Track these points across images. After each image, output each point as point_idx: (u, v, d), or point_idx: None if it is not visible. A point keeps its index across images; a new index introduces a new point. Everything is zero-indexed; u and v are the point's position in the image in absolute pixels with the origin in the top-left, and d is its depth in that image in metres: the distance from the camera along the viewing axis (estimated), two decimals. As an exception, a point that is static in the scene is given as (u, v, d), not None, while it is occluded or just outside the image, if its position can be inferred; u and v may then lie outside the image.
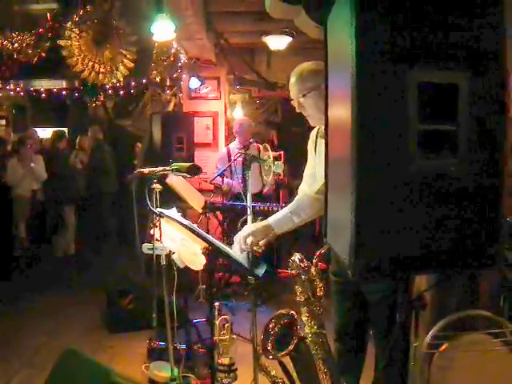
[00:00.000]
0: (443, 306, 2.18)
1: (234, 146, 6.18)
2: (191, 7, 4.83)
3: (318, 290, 2.18)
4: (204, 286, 5.21)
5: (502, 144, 1.39)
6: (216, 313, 2.75)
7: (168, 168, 2.57)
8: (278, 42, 6.45)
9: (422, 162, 1.30)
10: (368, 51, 1.28)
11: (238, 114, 8.60)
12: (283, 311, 2.29)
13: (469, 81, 1.35)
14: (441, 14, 1.35)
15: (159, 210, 2.53)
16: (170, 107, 8.04)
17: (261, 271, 2.24)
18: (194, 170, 2.52)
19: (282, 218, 2.58)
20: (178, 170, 2.53)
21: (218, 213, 5.37)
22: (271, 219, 2.57)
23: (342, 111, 1.43)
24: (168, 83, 7.50)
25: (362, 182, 1.28)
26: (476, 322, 2.17)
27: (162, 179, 2.79)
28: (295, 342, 2.22)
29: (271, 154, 3.20)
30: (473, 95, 1.36)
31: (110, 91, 7.42)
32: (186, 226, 2.39)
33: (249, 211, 2.91)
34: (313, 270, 2.17)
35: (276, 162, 3.24)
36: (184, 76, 7.01)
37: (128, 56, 6.93)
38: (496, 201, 1.41)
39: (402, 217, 1.32)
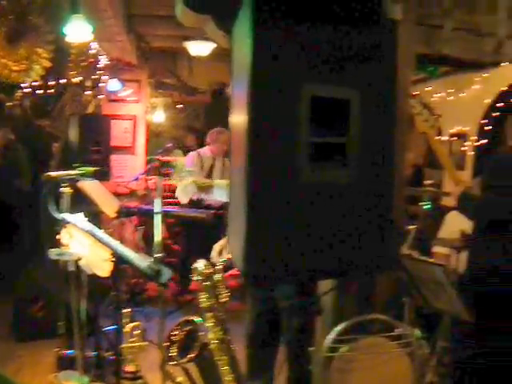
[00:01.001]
0: (342, 310, 2.25)
1: (205, 151, 5.95)
2: (110, 8, 4.75)
3: (222, 295, 2.20)
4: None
5: (392, 153, 1.46)
6: (127, 320, 2.71)
7: (74, 172, 2.52)
8: (200, 48, 6.44)
9: (314, 173, 1.34)
10: (263, 62, 1.32)
11: (159, 118, 8.52)
12: (186, 318, 2.30)
13: (361, 95, 1.41)
14: (336, 30, 1.40)
15: (63, 215, 2.47)
16: (90, 109, 7.85)
17: (165, 277, 2.23)
18: (101, 175, 2.48)
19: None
20: (84, 175, 2.48)
21: (134, 217, 5.29)
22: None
23: (240, 120, 1.46)
24: (88, 84, 7.32)
25: (255, 190, 1.31)
26: (374, 326, 2.27)
27: (73, 182, 2.73)
28: (198, 348, 2.23)
29: (182, 160, 3.20)
30: (365, 109, 1.42)
31: (26, 90, 7.14)
32: (87, 232, 2.35)
33: (156, 217, 2.89)
34: (217, 276, 2.19)
35: (185, 169, 3.25)
36: (104, 78, 6.89)
37: (45, 55, 6.69)
38: (389, 208, 1.47)
39: (295, 225, 1.36)
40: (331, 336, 2.17)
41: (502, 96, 5.59)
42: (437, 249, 4.51)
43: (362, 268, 1.45)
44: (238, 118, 1.54)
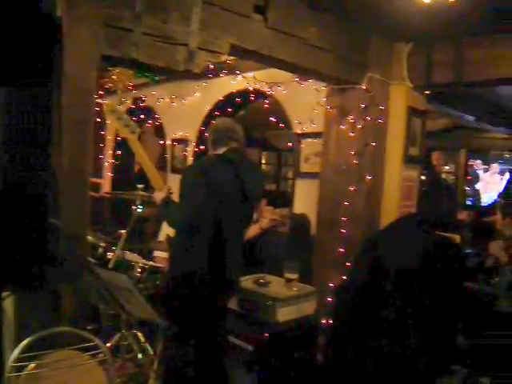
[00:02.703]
0: (26, 325, 2.10)
1: None
2: None
3: None
4: None
5: (49, 156, 1.38)
6: None
7: None
8: None
9: None
10: None
11: None
12: None
13: (14, 94, 1.31)
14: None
15: None
16: None
17: None
18: None
19: None
20: None
21: None
22: None
23: None
24: None
25: None
26: (64, 339, 2.16)
27: None
28: None
29: None
30: (20, 108, 1.32)
31: None
32: None
33: None
34: None
35: None
36: None
37: None
38: (42, 221, 1.38)
39: None
40: (15, 353, 2.01)
41: (218, 105, 5.97)
42: (156, 252, 4.60)
43: (12, 283, 1.34)
44: None
